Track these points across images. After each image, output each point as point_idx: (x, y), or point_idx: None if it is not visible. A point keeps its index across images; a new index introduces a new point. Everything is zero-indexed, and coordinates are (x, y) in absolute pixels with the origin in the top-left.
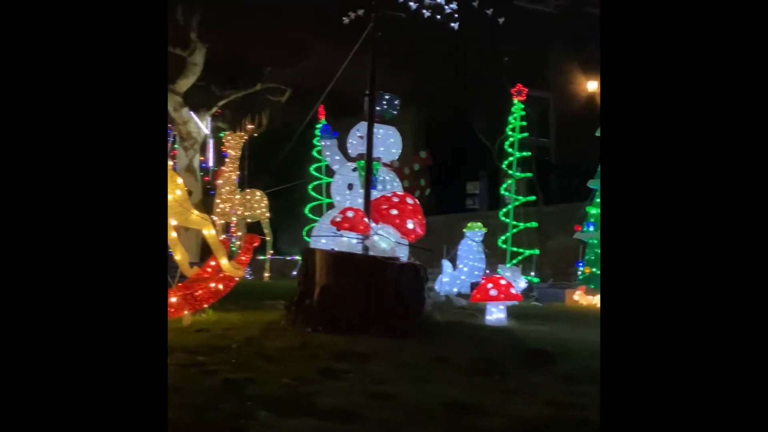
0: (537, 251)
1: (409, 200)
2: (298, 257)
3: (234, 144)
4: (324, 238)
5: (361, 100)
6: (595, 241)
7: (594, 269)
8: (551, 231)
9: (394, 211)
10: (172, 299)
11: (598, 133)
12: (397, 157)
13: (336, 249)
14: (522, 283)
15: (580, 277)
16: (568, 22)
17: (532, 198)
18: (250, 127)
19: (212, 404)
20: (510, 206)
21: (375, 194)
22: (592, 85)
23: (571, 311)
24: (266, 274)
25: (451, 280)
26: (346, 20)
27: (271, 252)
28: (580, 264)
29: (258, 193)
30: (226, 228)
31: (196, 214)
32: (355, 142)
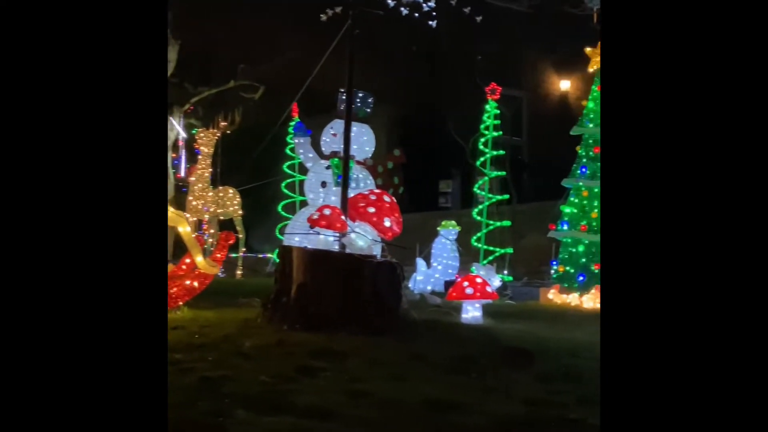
0: (510, 250)
1: (386, 198)
2: (270, 255)
3: (207, 141)
4: (297, 235)
5: (334, 97)
6: (569, 240)
7: (568, 268)
8: (524, 230)
9: (372, 209)
10: None
11: (572, 132)
12: (370, 155)
13: (309, 246)
14: (497, 282)
15: (554, 276)
16: (541, 21)
17: (506, 197)
18: (223, 124)
19: (189, 402)
20: (483, 205)
21: (348, 192)
22: (565, 84)
23: (546, 309)
24: (239, 272)
25: (425, 278)
26: (323, 17)
27: (244, 249)
28: (554, 262)
29: (231, 190)
30: (198, 225)
31: (171, 211)
32: (329, 139)
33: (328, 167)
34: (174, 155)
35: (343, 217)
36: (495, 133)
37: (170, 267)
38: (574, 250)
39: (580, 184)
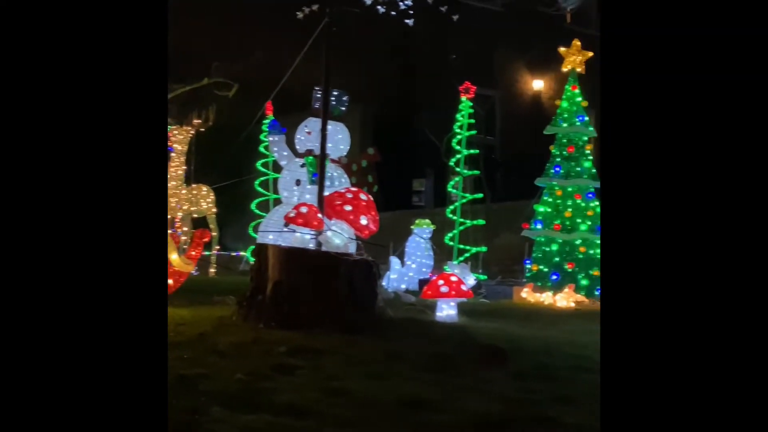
0: (484, 248)
1: (363, 196)
2: (243, 253)
3: (180, 139)
4: (271, 233)
5: (309, 95)
6: (543, 239)
7: (541, 267)
8: (498, 229)
9: (348, 207)
10: None
11: (546, 131)
12: (345, 154)
13: (282, 244)
14: (471, 280)
15: (527, 275)
16: (515, 20)
17: (480, 195)
18: (196, 121)
19: None
20: (457, 203)
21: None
22: (538, 84)
23: (520, 308)
24: (212, 270)
25: (399, 276)
26: (300, 15)
27: (218, 247)
28: (528, 261)
29: (204, 188)
30: (171, 223)
31: None
32: (303, 137)
33: (302, 165)
34: None
35: (319, 215)
36: (469, 132)
37: None
38: (547, 249)
39: (554, 183)
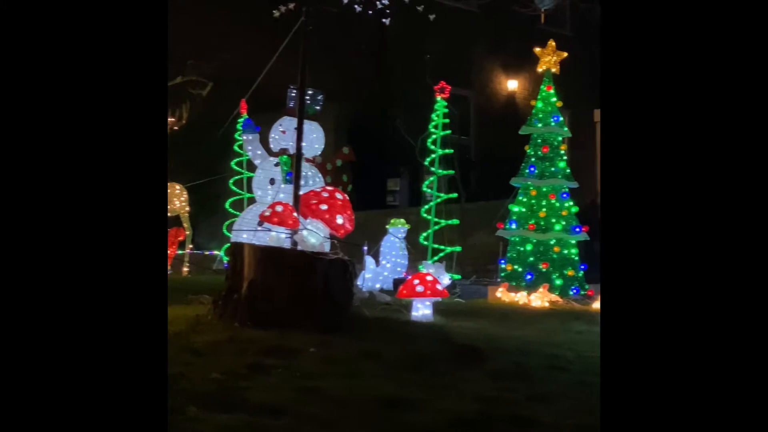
0: (459, 248)
1: (339, 195)
2: (217, 252)
3: None
4: (245, 232)
5: (283, 94)
6: (517, 239)
7: (516, 266)
8: (473, 228)
9: (324, 206)
10: None
11: (521, 132)
12: (319, 153)
13: (257, 243)
14: (446, 280)
15: (502, 275)
16: (490, 20)
17: (454, 195)
18: (170, 120)
19: None
20: (432, 203)
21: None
22: (513, 84)
23: (495, 308)
24: (185, 269)
25: (374, 276)
26: (276, 14)
27: (191, 246)
28: (502, 261)
29: (177, 186)
30: None
31: None
32: (278, 136)
33: (276, 164)
34: None
35: (295, 214)
36: (444, 132)
37: None
38: (522, 248)
39: (529, 183)
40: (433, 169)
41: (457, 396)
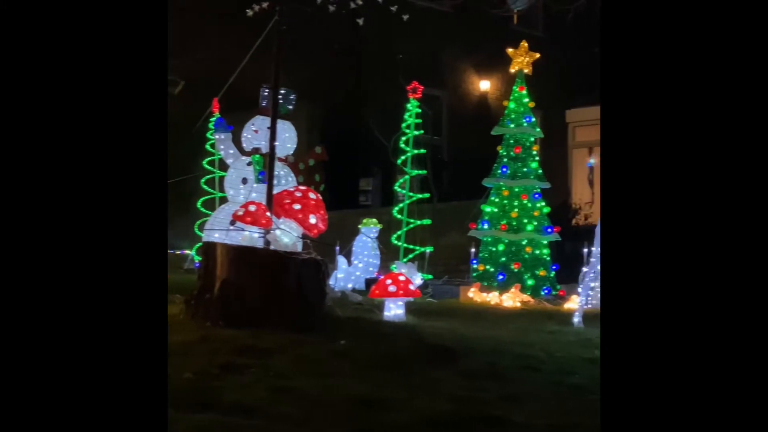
0: (431, 248)
1: (312, 195)
2: (189, 251)
3: None
4: (217, 232)
5: (256, 94)
6: (489, 239)
7: (488, 266)
8: (445, 228)
9: (297, 206)
10: None
11: (493, 132)
12: (292, 152)
13: (229, 242)
14: (418, 280)
15: (474, 275)
16: (462, 21)
17: (426, 195)
18: None
19: None
20: (404, 203)
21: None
22: (485, 85)
23: (467, 308)
24: None
25: (346, 276)
26: (250, 13)
27: None
28: (474, 261)
29: None
30: None
31: None
32: (250, 136)
33: (249, 164)
34: None
35: (268, 214)
36: (416, 132)
37: None
38: (494, 249)
39: (501, 183)
40: (405, 169)
41: (430, 396)
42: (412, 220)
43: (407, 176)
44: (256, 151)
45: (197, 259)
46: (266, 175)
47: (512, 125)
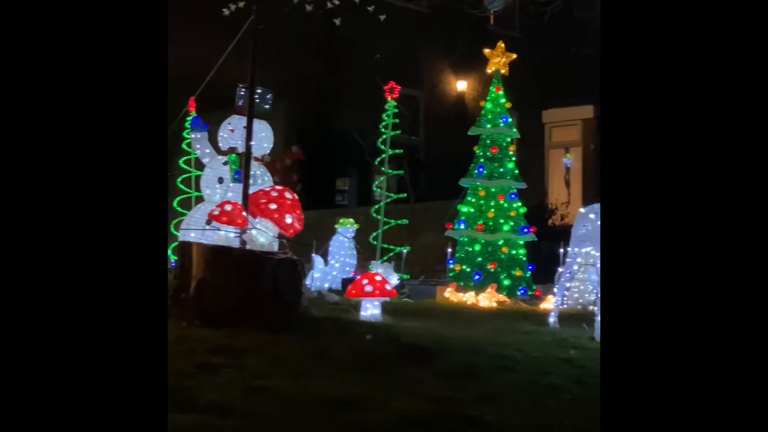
0: (407, 248)
1: (288, 195)
2: None
3: None
4: (193, 231)
5: (232, 93)
6: (466, 239)
7: (464, 266)
8: (421, 228)
9: (273, 206)
10: None
11: (470, 132)
12: (268, 152)
13: (204, 242)
14: (395, 280)
15: (450, 275)
16: (440, 21)
17: (403, 195)
18: None
19: None
20: (381, 203)
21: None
22: (462, 85)
23: (444, 307)
24: None
25: (322, 275)
26: (226, 12)
27: None
28: (451, 261)
29: None
30: None
31: None
32: (227, 135)
33: (225, 163)
34: None
35: (244, 214)
36: (393, 132)
37: None
38: (470, 249)
39: (478, 183)
40: (383, 168)
41: (406, 396)
42: (389, 220)
43: (384, 176)
44: (232, 150)
45: (173, 258)
46: (242, 174)
47: (489, 125)
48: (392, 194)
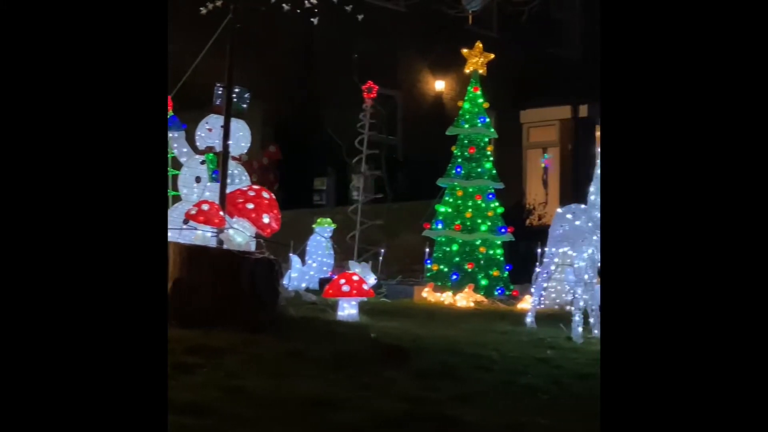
0: (383, 249)
1: (265, 194)
2: None
3: None
4: (170, 231)
5: (210, 92)
6: (443, 239)
7: (441, 266)
8: (399, 228)
9: (250, 205)
10: None
11: (448, 132)
12: (245, 151)
13: (181, 241)
14: (372, 279)
15: (428, 275)
16: (418, 21)
17: (381, 195)
18: None
19: None
20: (358, 203)
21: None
22: (440, 85)
23: (421, 307)
24: None
25: (300, 275)
26: (203, 11)
27: None
28: (428, 261)
29: None
30: None
31: None
32: (204, 134)
33: (202, 162)
34: None
35: (221, 213)
36: (371, 132)
37: None
38: (447, 249)
39: (455, 183)
40: (360, 168)
41: (383, 395)
42: (366, 220)
43: (362, 176)
44: (209, 149)
45: None
46: (220, 174)
47: (467, 125)
48: (369, 194)
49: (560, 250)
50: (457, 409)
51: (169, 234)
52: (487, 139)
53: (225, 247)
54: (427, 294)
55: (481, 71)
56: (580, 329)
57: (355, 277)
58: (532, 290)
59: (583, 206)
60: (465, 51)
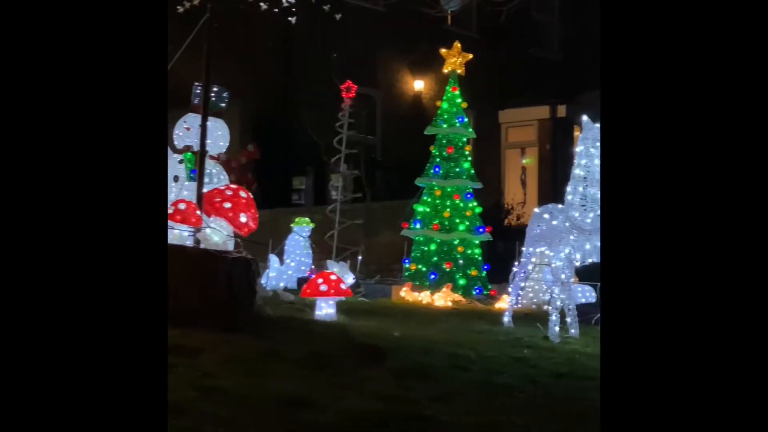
0: (361, 248)
1: (243, 194)
2: None
3: None
4: None
5: (188, 91)
6: (422, 239)
7: (419, 266)
8: (377, 228)
9: (228, 205)
10: None
11: (426, 132)
12: (224, 150)
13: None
14: (350, 279)
15: (406, 274)
16: (396, 21)
17: (359, 194)
18: None
19: None
20: (337, 202)
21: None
22: (419, 84)
23: (399, 307)
24: None
25: (278, 274)
26: (180, 9)
27: None
28: (406, 260)
29: None
30: None
31: None
32: (182, 133)
33: (180, 161)
34: None
35: (198, 212)
36: (349, 131)
37: None
38: (426, 248)
39: (434, 183)
40: (338, 168)
41: (360, 395)
42: (344, 220)
43: (340, 175)
44: (187, 148)
45: None
46: (197, 173)
47: (445, 125)
48: (348, 194)
49: (537, 250)
50: (434, 408)
51: None
52: (465, 139)
53: (202, 246)
54: (405, 293)
55: (459, 71)
56: (557, 329)
57: (333, 277)
58: (510, 290)
59: (560, 206)
60: (443, 51)
